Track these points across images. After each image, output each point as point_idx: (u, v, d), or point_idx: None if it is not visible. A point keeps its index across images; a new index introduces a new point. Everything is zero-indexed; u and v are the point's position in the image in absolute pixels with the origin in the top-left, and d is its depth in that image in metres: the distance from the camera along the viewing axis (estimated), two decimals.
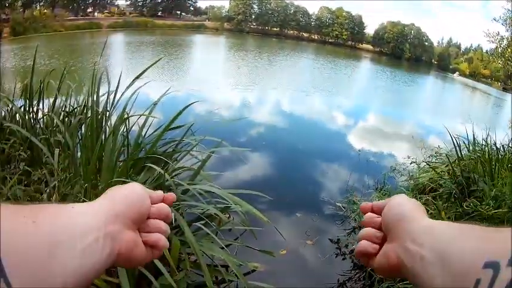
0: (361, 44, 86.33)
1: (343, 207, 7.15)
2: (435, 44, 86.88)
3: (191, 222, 4.31)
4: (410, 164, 8.38)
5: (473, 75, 77.56)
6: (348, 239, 6.23)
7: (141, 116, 5.42)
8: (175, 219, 3.86)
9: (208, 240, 4.17)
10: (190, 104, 5.55)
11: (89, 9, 71.75)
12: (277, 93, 21.65)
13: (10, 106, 6.46)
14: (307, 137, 13.25)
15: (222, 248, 4.13)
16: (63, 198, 4.20)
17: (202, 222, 4.25)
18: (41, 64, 17.97)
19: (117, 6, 75.58)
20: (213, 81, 22.93)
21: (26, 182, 4.63)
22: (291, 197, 7.63)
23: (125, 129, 5.21)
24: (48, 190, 4.30)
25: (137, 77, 5.45)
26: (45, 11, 60.23)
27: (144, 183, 4.45)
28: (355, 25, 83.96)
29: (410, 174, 8.27)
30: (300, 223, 6.69)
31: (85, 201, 3.93)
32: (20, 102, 6.65)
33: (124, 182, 3.58)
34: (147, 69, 5.53)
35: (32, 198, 4.16)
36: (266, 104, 18.68)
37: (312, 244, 6.03)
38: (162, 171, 4.08)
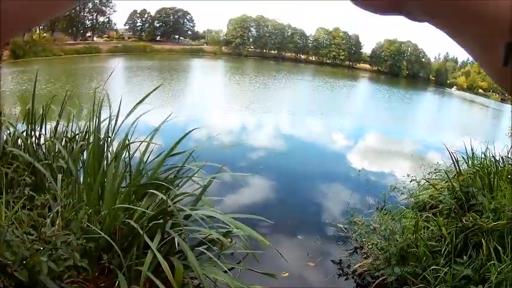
0: (359, 64, 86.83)
1: (345, 228, 7.17)
2: (432, 59, 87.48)
3: (194, 246, 4.34)
4: (411, 182, 8.35)
5: (471, 89, 77.99)
6: (350, 259, 6.26)
7: (142, 142, 5.47)
8: (178, 244, 3.90)
9: (211, 264, 4.19)
10: (190, 131, 5.63)
11: (88, 34, 72.24)
12: (276, 116, 21.78)
13: (12, 130, 6.51)
14: (307, 159, 13.28)
15: (225, 271, 4.13)
16: (67, 224, 4.23)
17: (205, 246, 4.29)
18: (39, 88, 18.05)
19: (116, 30, 76.19)
20: (212, 106, 23.09)
21: (29, 207, 4.66)
22: (292, 220, 7.63)
23: (126, 155, 5.26)
24: (51, 215, 4.33)
25: (138, 104, 5.52)
26: (45, 34, 60.57)
27: (146, 208, 4.50)
28: (352, 45, 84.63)
29: (411, 192, 8.28)
30: (301, 245, 6.72)
31: (89, 226, 3.99)
32: (21, 127, 6.70)
33: (127, 208, 3.65)
34: (147, 96, 5.61)
35: (35, 223, 4.17)
36: (265, 127, 18.76)
37: (314, 266, 6.04)
38: (165, 197, 4.12)
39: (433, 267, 4.95)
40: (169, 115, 5.76)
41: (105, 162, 5.30)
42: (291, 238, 6.92)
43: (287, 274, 5.58)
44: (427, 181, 8.13)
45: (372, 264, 5.87)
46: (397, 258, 5.50)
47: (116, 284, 4.06)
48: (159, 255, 3.71)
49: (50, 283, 3.40)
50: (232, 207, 7.14)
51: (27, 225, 3.86)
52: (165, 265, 3.69)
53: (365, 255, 6.33)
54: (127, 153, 5.30)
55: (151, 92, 5.85)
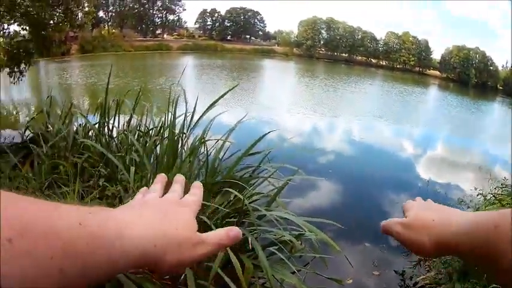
0: (429, 70, 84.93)
1: None
2: (499, 67, 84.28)
3: (265, 246, 4.34)
4: (477, 195, 8.18)
5: None
6: (414, 271, 6.15)
7: (218, 140, 5.52)
8: (250, 243, 3.91)
9: (280, 265, 4.19)
10: (268, 133, 5.67)
11: (158, 31, 73.66)
12: (345, 120, 21.60)
13: (83, 122, 6.71)
14: (375, 165, 13.11)
15: (293, 272, 4.13)
16: None
17: (276, 247, 4.28)
18: (105, 82, 18.75)
19: (186, 29, 77.37)
20: (282, 107, 23.12)
21: (98, 197, 4.78)
22: (360, 226, 7.57)
23: (201, 152, 5.33)
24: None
25: (213, 103, 5.55)
26: (114, 30, 62.40)
27: (220, 205, 4.54)
28: (421, 50, 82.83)
29: (477, 206, 8.05)
30: (368, 253, 6.65)
31: None
32: (92, 119, 6.90)
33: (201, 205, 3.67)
34: (223, 95, 5.65)
35: None
36: (334, 131, 18.67)
37: (378, 275, 5.96)
38: (241, 196, 4.15)
39: (493, 285, 4.80)
40: (245, 115, 5.82)
41: (180, 158, 5.38)
42: (358, 245, 6.86)
43: (351, 281, 5.52)
44: (494, 196, 7.88)
45: (434, 278, 5.81)
46: (458, 274, 5.37)
47: (182, 277, 4.11)
48: (230, 252, 3.74)
49: None
50: (301, 210, 7.16)
51: None
52: (236, 263, 3.72)
53: (428, 268, 6.25)
54: (202, 150, 5.36)
55: (227, 92, 5.89)
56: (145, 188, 0.90)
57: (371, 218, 8.28)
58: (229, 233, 0.74)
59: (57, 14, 11.30)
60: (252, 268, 3.86)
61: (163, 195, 0.81)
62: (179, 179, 0.89)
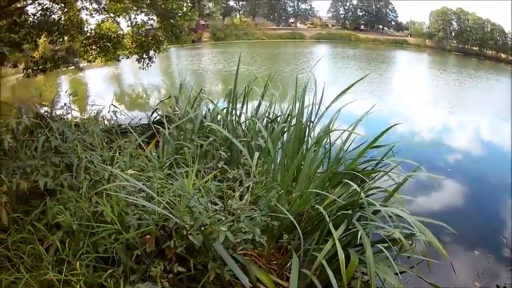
0: None
1: None
2: None
3: (374, 242, 4.38)
4: None
5: None
6: None
7: (344, 131, 5.63)
8: (360, 237, 3.97)
9: (385, 264, 4.24)
10: (394, 125, 5.69)
11: (291, 20, 74.24)
12: (473, 118, 20.58)
13: (211, 107, 7.06)
14: (502, 168, 12.40)
15: (396, 273, 4.14)
16: (256, 200, 4.52)
17: (385, 245, 4.31)
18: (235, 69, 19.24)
19: (320, 18, 77.28)
20: (413, 100, 22.54)
21: (219, 178, 5.06)
22: (474, 232, 7.28)
23: (327, 142, 5.44)
24: (242, 189, 4.64)
25: (343, 93, 5.66)
26: (246, 19, 63.78)
27: (338, 197, 4.68)
28: None
29: None
30: (475, 262, 6.42)
31: (277, 206, 4.20)
32: (220, 104, 7.22)
33: (319, 194, 3.82)
34: (353, 84, 5.74)
35: (223, 194, 4.51)
36: (463, 129, 17.89)
37: (480, 287, 5.76)
38: (359, 189, 4.19)
39: None
40: (373, 106, 5.85)
41: (305, 146, 5.53)
42: (467, 251, 6.64)
43: None
44: None
45: None
46: None
47: (288, 264, 4.26)
48: (338, 245, 3.84)
49: (223, 251, 3.73)
50: (419, 208, 7.00)
51: (214, 195, 4.20)
52: (341, 256, 3.80)
53: None
54: (328, 139, 5.48)
55: (356, 82, 6.00)
56: None
57: (486, 225, 7.93)
58: None
59: (186, 3, 11.79)
60: (357, 262, 3.92)
61: None
62: None
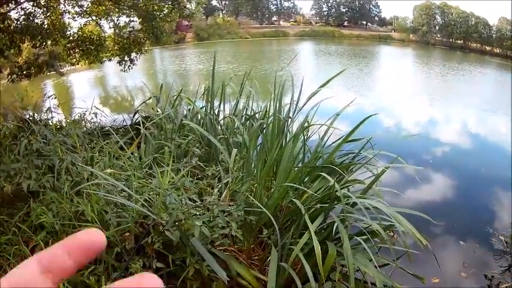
0: None
1: (506, 242, 6.81)
2: None
3: (353, 235, 4.48)
4: None
5: None
6: (504, 277, 5.94)
7: (321, 125, 5.72)
8: (337, 230, 4.08)
9: (365, 256, 4.31)
10: (368, 117, 5.71)
11: (274, 18, 74.29)
12: (461, 111, 20.74)
13: (192, 106, 7.17)
14: (490, 161, 12.53)
15: (376, 266, 4.21)
16: (233, 195, 4.62)
17: (364, 237, 4.38)
18: (218, 68, 19.29)
19: (303, 15, 77.38)
20: (397, 95, 22.68)
21: (199, 176, 5.14)
22: (460, 224, 7.37)
23: (308, 136, 5.54)
24: (220, 185, 4.73)
25: (321, 87, 5.78)
26: (229, 18, 63.84)
27: (316, 191, 4.75)
28: None
29: None
30: (461, 252, 6.51)
31: (253, 200, 4.30)
32: (200, 103, 7.33)
33: (297, 189, 3.91)
34: (331, 79, 5.86)
35: (202, 191, 4.60)
36: (447, 122, 18.05)
37: (466, 277, 5.85)
38: (333, 181, 4.26)
39: None
40: (353, 100, 5.97)
41: (284, 141, 5.64)
42: (453, 243, 6.73)
43: (438, 280, 5.49)
44: None
45: None
46: None
47: (268, 259, 4.36)
48: (314, 238, 3.90)
49: (200, 247, 3.82)
50: (405, 201, 7.07)
51: (193, 193, 4.28)
52: (317, 248, 3.86)
53: None
54: (305, 134, 5.58)
55: (334, 77, 6.13)
56: None
57: (473, 217, 8.00)
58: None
59: (166, 5, 11.90)
60: (335, 255, 4.00)
61: None
62: None
